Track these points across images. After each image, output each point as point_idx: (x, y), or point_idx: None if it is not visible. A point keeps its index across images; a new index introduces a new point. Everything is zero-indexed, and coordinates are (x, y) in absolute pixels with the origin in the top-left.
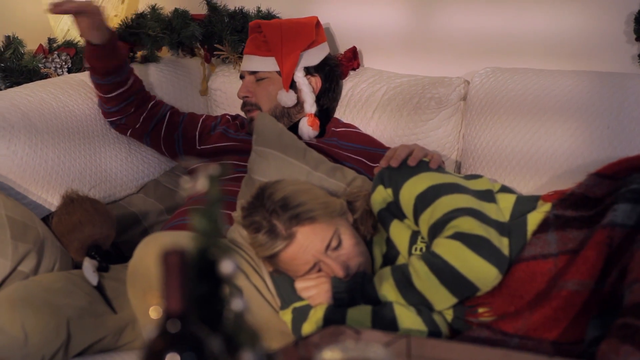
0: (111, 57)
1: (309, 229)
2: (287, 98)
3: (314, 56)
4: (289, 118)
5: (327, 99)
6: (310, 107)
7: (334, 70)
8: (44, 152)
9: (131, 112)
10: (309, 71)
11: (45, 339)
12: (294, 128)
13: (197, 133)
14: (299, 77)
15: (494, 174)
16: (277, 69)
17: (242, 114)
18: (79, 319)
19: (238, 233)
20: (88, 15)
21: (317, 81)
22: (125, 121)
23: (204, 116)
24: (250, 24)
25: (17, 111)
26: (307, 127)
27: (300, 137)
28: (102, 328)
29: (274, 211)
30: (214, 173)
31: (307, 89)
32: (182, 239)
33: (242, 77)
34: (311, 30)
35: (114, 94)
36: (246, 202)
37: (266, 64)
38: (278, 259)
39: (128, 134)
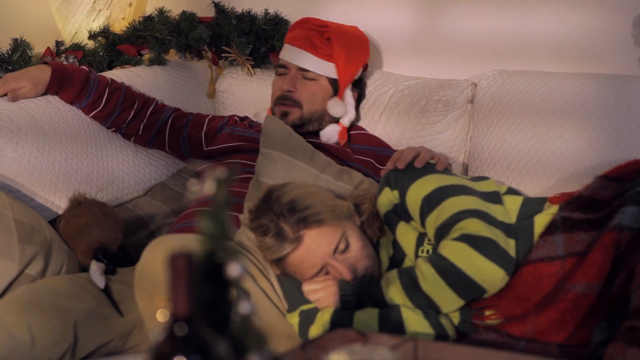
0: (66, 88)
1: (317, 232)
2: (340, 109)
3: (359, 71)
4: (320, 123)
5: (357, 112)
6: (348, 120)
7: (365, 87)
8: (51, 155)
9: (127, 121)
10: (352, 85)
11: (52, 342)
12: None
13: (203, 134)
14: (347, 90)
15: (501, 176)
16: (331, 75)
17: (251, 115)
18: (86, 322)
19: (245, 236)
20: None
21: (354, 95)
22: (125, 131)
23: (209, 116)
24: (308, 19)
25: (24, 114)
26: (335, 135)
27: (316, 139)
28: (109, 331)
29: (282, 214)
30: (221, 176)
31: (351, 102)
32: (189, 242)
33: (282, 66)
34: (368, 46)
35: (93, 114)
36: (253, 205)
37: (323, 68)
38: (285, 262)
39: (132, 141)
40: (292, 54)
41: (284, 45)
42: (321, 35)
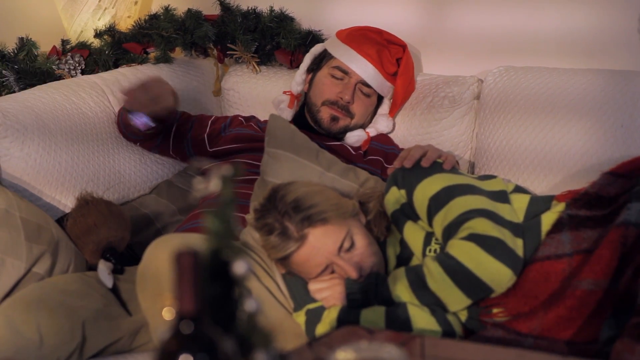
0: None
1: (321, 230)
2: (388, 126)
3: None
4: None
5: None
6: (376, 131)
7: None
8: (58, 154)
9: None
10: None
11: (61, 341)
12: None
13: (206, 136)
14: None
15: (507, 173)
16: (384, 93)
17: (257, 114)
18: (94, 321)
19: (250, 235)
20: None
21: None
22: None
23: (212, 117)
24: (383, 31)
25: (31, 113)
26: (359, 141)
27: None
28: (117, 330)
29: (286, 213)
30: (226, 174)
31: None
32: (191, 241)
33: (343, 71)
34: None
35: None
36: (258, 204)
37: (381, 86)
38: (291, 260)
39: (137, 145)
40: (358, 63)
41: (343, 47)
42: (390, 53)
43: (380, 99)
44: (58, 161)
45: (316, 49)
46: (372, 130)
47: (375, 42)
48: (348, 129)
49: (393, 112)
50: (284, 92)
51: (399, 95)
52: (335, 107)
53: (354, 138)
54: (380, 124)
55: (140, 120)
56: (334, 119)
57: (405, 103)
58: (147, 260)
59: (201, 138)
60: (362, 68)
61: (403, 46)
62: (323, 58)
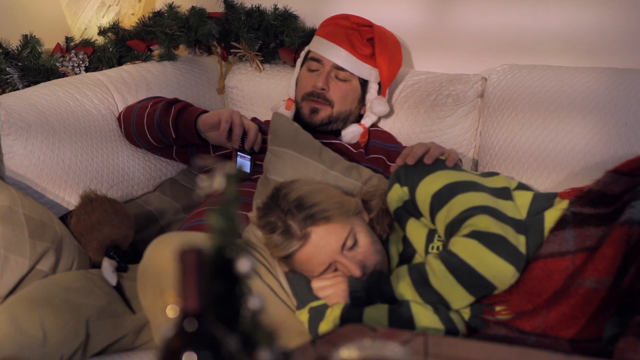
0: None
1: (324, 228)
2: (384, 107)
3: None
4: (344, 124)
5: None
6: (370, 121)
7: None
8: (62, 151)
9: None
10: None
11: (64, 339)
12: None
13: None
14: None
15: (511, 171)
16: (364, 76)
17: (259, 116)
18: (98, 319)
19: (252, 234)
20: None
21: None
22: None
23: None
24: (349, 16)
25: (35, 110)
26: (356, 136)
27: (333, 139)
28: (120, 328)
29: (289, 211)
30: (231, 171)
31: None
32: (191, 239)
33: (316, 60)
34: (401, 50)
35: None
36: (261, 202)
37: (358, 68)
38: (293, 259)
39: (141, 147)
40: (328, 50)
41: (315, 38)
42: (360, 35)
43: (365, 84)
44: (62, 158)
45: (304, 51)
46: (367, 121)
47: (343, 27)
48: (332, 118)
49: (384, 92)
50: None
51: (384, 74)
52: (312, 98)
53: (350, 135)
54: (376, 107)
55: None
56: (314, 110)
57: (410, 101)
58: (148, 258)
59: (205, 143)
60: (333, 53)
61: (370, 25)
62: (305, 57)
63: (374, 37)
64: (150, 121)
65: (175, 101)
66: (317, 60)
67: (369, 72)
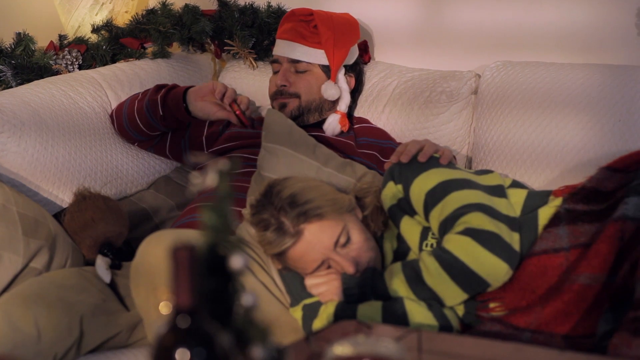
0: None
1: (317, 226)
2: (334, 91)
3: (351, 55)
4: (320, 113)
5: (354, 98)
6: (345, 105)
7: (362, 72)
8: (55, 149)
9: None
10: (346, 69)
11: (58, 336)
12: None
13: (204, 138)
14: (340, 74)
15: (505, 167)
16: (323, 62)
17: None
18: (92, 316)
19: (246, 231)
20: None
21: (351, 80)
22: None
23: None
24: (294, 10)
25: (28, 108)
26: (336, 125)
27: (321, 132)
28: (114, 325)
29: (282, 208)
30: (223, 168)
31: (345, 86)
32: (184, 236)
33: (275, 61)
34: (357, 29)
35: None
36: (255, 199)
37: (313, 56)
38: (287, 256)
39: (135, 145)
40: (282, 48)
41: (276, 42)
42: (308, 25)
43: (329, 70)
44: (55, 156)
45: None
46: (341, 105)
47: (291, 22)
48: (303, 109)
49: (333, 76)
50: None
51: (329, 56)
52: (278, 96)
53: (331, 126)
54: (326, 91)
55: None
56: (282, 106)
57: (403, 98)
58: (141, 256)
59: (199, 140)
60: (287, 49)
61: (312, 14)
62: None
63: (317, 23)
64: (140, 106)
65: (166, 85)
66: (276, 61)
67: (326, 58)
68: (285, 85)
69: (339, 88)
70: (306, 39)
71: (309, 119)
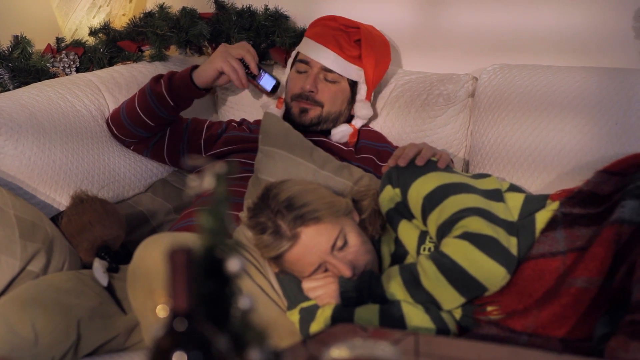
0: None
1: (314, 229)
2: (367, 111)
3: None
4: (334, 124)
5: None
6: (361, 122)
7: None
8: (52, 152)
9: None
10: None
11: (56, 340)
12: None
13: (202, 141)
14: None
15: (502, 170)
16: (353, 77)
17: (248, 118)
18: (89, 320)
19: (242, 234)
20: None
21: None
22: (126, 143)
23: (207, 122)
24: (336, 17)
25: (25, 111)
26: (346, 135)
27: (319, 136)
28: (112, 329)
29: (279, 212)
30: (220, 171)
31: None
32: (181, 240)
33: (304, 62)
34: (390, 51)
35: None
36: (252, 202)
37: (346, 69)
38: (283, 259)
39: (131, 149)
40: (316, 52)
41: (304, 40)
42: (348, 37)
43: (354, 85)
44: (52, 159)
45: (294, 52)
46: (357, 122)
47: (331, 28)
48: (322, 118)
49: (368, 96)
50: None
51: (369, 77)
52: (301, 99)
53: (339, 134)
54: (359, 111)
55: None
56: (303, 111)
57: (400, 101)
58: (138, 259)
59: (197, 143)
60: (321, 55)
61: (358, 27)
62: (295, 58)
63: (361, 38)
64: (142, 101)
65: (160, 75)
66: (306, 62)
67: (357, 74)
68: (312, 92)
69: (372, 109)
70: (343, 51)
71: (322, 127)
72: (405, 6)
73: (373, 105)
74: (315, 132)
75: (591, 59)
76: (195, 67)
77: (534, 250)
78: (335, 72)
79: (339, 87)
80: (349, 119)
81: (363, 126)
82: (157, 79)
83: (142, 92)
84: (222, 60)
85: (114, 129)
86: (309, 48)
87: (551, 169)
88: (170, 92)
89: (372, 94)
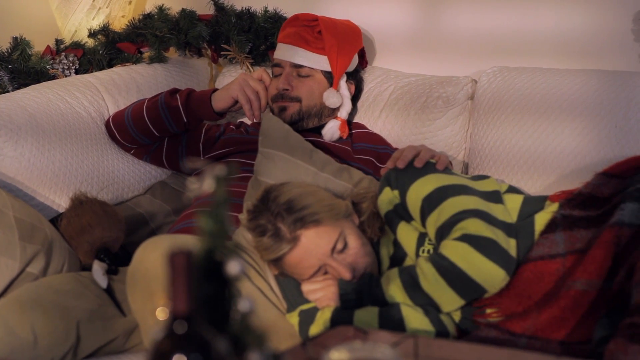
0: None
1: (314, 232)
2: (336, 98)
3: (353, 63)
4: (320, 119)
5: (354, 105)
6: (346, 112)
7: (362, 79)
8: (51, 153)
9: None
10: (347, 77)
11: (55, 341)
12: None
13: (201, 145)
14: (342, 81)
15: (501, 173)
16: (326, 68)
17: (246, 120)
18: (89, 322)
19: (242, 236)
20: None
21: (351, 87)
22: (126, 148)
23: (206, 125)
24: (298, 15)
25: (24, 113)
26: (336, 131)
27: (319, 137)
28: (111, 331)
29: (279, 214)
30: (220, 173)
31: (347, 93)
32: (180, 242)
33: (277, 65)
34: (360, 37)
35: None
36: (251, 205)
37: (316, 62)
38: (283, 262)
39: (131, 153)
40: (285, 52)
41: (277, 45)
42: (312, 30)
43: (331, 76)
44: (52, 161)
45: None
46: (342, 112)
47: (295, 27)
48: (303, 114)
49: (335, 83)
50: None
51: (332, 64)
52: (278, 99)
53: (330, 132)
54: (327, 99)
55: None
56: (282, 109)
57: (400, 103)
58: (137, 261)
59: (196, 147)
60: (290, 53)
61: (317, 20)
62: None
63: (321, 29)
64: (152, 111)
65: (175, 89)
66: (278, 65)
67: (328, 64)
68: (287, 89)
69: (340, 95)
70: (310, 44)
71: (307, 124)
72: (404, 8)
73: (373, 105)
74: (308, 131)
75: (590, 61)
76: (215, 90)
77: (533, 252)
78: (305, 67)
79: (314, 80)
80: (333, 112)
81: (363, 128)
82: (172, 92)
83: (153, 102)
84: (239, 90)
85: (116, 133)
86: (279, 51)
87: (550, 171)
88: (187, 109)
89: (348, 84)
